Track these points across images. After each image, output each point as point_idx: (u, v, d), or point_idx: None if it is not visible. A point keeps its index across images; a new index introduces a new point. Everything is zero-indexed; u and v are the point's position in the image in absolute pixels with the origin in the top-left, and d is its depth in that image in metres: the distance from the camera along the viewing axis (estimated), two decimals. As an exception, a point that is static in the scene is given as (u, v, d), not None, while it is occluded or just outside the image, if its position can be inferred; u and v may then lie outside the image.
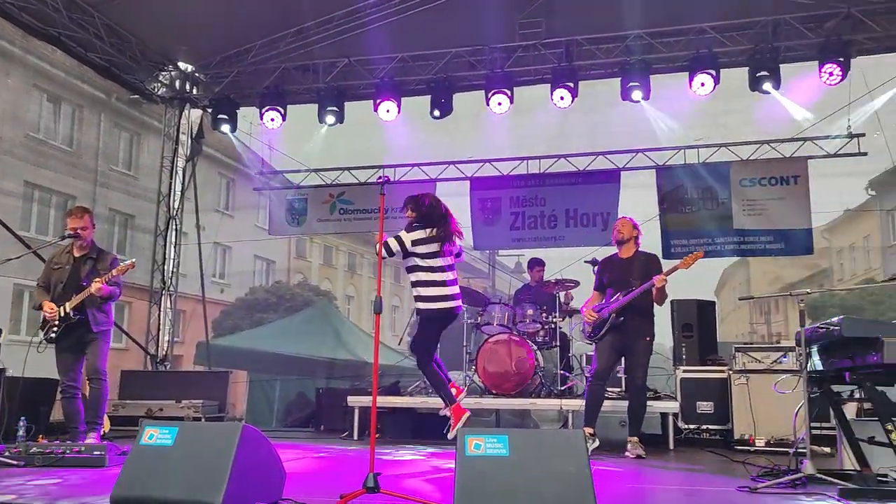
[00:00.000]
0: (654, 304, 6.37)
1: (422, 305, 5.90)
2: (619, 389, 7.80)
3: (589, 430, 6.26)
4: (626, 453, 6.30)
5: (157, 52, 10.60)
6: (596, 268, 6.84)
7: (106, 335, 6.22)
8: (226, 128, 10.68)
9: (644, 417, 6.54)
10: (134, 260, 6.22)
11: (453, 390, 6.01)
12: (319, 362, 13.50)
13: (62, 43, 9.45)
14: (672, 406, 7.49)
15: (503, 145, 11.93)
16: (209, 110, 11.07)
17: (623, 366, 7.20)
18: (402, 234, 5.75)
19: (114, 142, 22.20)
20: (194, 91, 11.28)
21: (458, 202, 11.56)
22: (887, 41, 9.00)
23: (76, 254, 6.24)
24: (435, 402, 7.97)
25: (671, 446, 7.28)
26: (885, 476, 4.53)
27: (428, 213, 5.83)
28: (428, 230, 5.76)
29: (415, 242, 5.74)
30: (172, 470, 3.48)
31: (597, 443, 6.30)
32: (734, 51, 9.29)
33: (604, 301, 6.54)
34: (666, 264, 6.50)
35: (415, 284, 5.86)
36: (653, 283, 6.15)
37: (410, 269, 5.87)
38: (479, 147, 12.01)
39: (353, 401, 8.23)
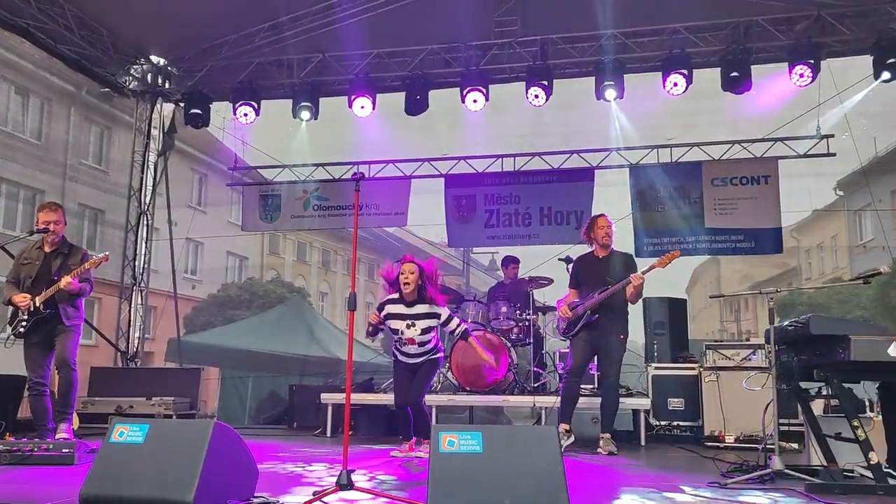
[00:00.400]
0: (629, 302, 6.40)
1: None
2: (591, 386, 7.86)
3: (565, 427, 6.29)
4: (599, 450, 6.34)
5: (129, 45, 10.47)
6: (571, 265, 6.87)
7: (76, 329, 6.14)
8: (198, 123, 10.57)
9: (616, 414, 6.57)
10: (108, 253, 6.14)
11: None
12: (292, 359, 13.42)
13: (31, 34, 9.28)
14: (644, 403, 7.56)
15: (478, 143, 11.94)
16: (181, 105, 10.93)
17: (596, 363, 7.25)
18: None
19: (83, 135, 21.87)
20: (166, 85, 11.16)
21: (432, 199, 11.59)
22: (855, 44, 9.15)
23: (47, 249, 6.17)
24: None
25: (643, 443, 7.35)
26: (852, 471, 4.62)
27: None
28: None
29: None
30: (143, 468, 3.44)
31: (572, 439, 6.34)
32: (707, 51, 9.40)
33: (579, 298, 6.57)
34: (641, 263, 6.55)
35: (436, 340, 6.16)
36: (629, 280, 6.18)
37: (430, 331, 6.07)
38: (454, 144, 12.01)
39: (327, 398, 8.22)
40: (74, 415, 6.41)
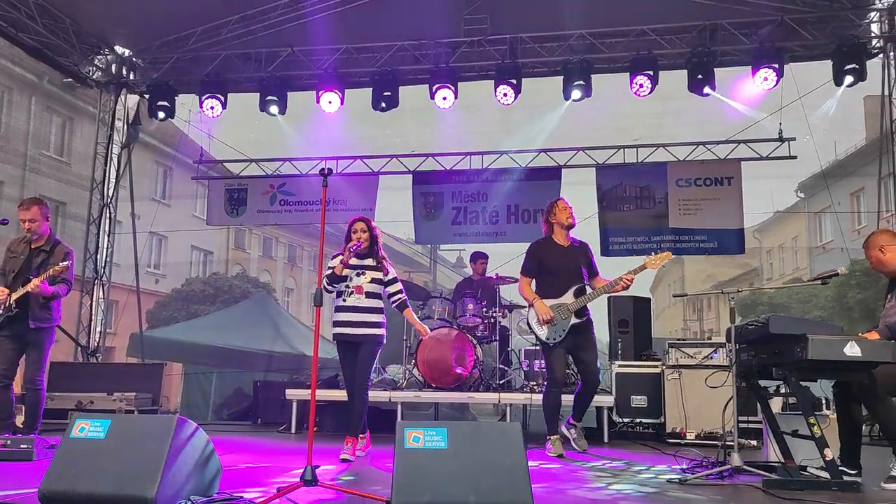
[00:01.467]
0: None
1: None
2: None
3: (556, 437, 6.05)
4: (573, 443, 6.18)
5: (93, 35, 10.29)
6: (529, 250, 6.44)
7: (47, 333, 6.00)
8: (163, 115, 10.44)
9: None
10: (66, 263, 5.96)
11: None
12: (257, 355, 13.32)
13: (-9, 22, 9.10)
14: (607, 400, 7.64)
15: (447, 140, 11.97)
16: (146, 96, 10.78)
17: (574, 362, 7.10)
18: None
19: (45, 126, 21.45)
20: (131, 76, 11.00)
21: (400, 196, 11.59)
22: (817, 49, 9.35)
23: (33, 245, 6.06)
24: (374, 395, 7.98)
25: (606, 439, 7.43)
26: (807, 468, 4.72)
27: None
28: None
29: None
30: (104, 463, 3.39)
31: (563, 449, 6.06)
32: (673, 53, 9.54)
33: (534, 288, 6.20)
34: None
35: (381, 311, 5.86)
36: (619, 280, 5.88)
37: (380, 297, 5.88)
38: (422, 141, 12.02)
39: (292, 394, 8.18)
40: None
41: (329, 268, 5.72)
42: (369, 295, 5.74)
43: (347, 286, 5.72)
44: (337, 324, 5.77)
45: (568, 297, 6.03)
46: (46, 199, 20.32)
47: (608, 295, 6.80)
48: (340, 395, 8.26)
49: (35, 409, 5.95)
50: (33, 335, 5.90)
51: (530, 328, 6.28)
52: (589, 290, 6.08)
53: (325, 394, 8.11)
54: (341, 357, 5.82)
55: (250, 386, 11.05)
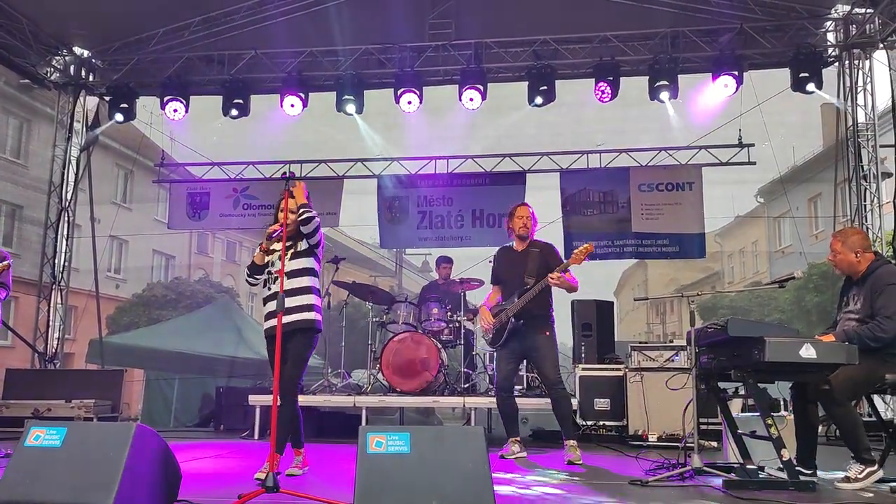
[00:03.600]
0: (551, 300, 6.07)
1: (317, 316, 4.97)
2: (520, 387, 7.94)
3: (516, 439, 6.05)
4: (566, 458, 5.91)
5: (51, 36, 10.11)
6: (491, 259, 6.43)
7: None
8: (123, 117, 10.30)
9: (572, 417, 6.27)
10: (8, 262, 5.85)
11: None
12: (220, 360, 13.17)
13: (-56, 21, 8.89)
14: (571, 403, 7.67)
15: (412, 145, 11.97)
16: (106, 98, 10.63)
17: (531, 368, 7.12)
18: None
19: (1, 128, 21.01)
20: (90, 77, 10.84)
21: (365, 200, 11.56)
22: (775, 56, 9.55)
23: None
24: (338, 400, 7.96)
25: (569, 442, 7.45)
26: (764, 468, 4.80)
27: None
28: None
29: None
30: (60, 472, 3.32)
31: (524, 453, 6.07)
32: (635, 60, 9.67)
33: (499, 300, 6.21)
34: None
35: (310, 290, 4.93)
36: (545, 282, 5.81)
37: (309, 272, 4.95)
38: (387, 145, 12.01)
39: (255, 399, 8.09)
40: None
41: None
42: (293, 274, 4.78)
43: (270, 273, 4.88)
44: (266, 317, 4.87)
45: (511, 301, 6.01)
46: (2, 201, 20.13)
47: (572, 298, 6.86)
48: (305, 400, 8.18)
49: None
50: None
51: (485, 338, 6.34)
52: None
53: (288, 399, 8.02)
54: (271, 356, 4.74)
55: (213, 392, 10.93)
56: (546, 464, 5.92)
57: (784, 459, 4.41)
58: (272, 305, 4.75)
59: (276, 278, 4.69)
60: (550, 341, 6.00)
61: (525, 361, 7.03)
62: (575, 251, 5.84)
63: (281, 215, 4.79)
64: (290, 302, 4.59)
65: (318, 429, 8.31)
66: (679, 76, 9.48)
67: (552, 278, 5.76)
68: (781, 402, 5.81)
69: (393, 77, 9.87)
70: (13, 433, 6.73)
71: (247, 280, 4.99)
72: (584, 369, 7.98)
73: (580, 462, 5.78)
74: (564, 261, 5.98)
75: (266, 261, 4.89)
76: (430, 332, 8.23)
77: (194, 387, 13.37)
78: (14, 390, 8.83)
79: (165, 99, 10.00)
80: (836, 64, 9.64)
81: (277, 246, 4.80)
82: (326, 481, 4.81)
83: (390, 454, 3.30)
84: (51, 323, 10.52)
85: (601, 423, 7.78)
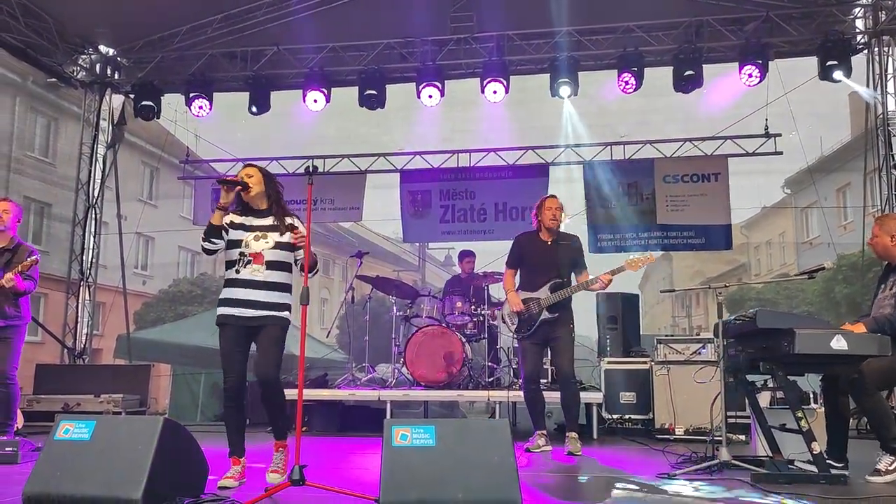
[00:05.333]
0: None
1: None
2: (544, 381, 7.90)
3: (542, 433, 6.05)
4: (566, 449, 5.97)
5: (77, 35, 10.21)
6: (514, 241, 6.44)
7: (17, 331, 5.97)
8: (149, 115, 10.38)
9: (578, 409, 6.25)
10: (35, 258, 5.94)
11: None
12: (245, 355, 13.28)
13: (-28, 22, 9.00)
14: (596, 397, 7.65)
15: (434, 138, 11.96)
16: (131, 96, 10.72)
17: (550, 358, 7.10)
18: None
19: (29, 127, 21.29)
20: (116, 76, 10.91)
21: (387, 194, 11.57)
22: (802, 45, 9.39)
23: None
24: (363, 394, 7.99)
25: (595, 436, 7.44)
26: (794, 462, 4.74)
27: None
28: None
29: None
30: (89, 465, 3.37)
31: (550, 447, 6.05)
32: (659, 50, 9.55)
33: (518, 281, 6.22)
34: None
35: (288, 288, 4.57)
36: (596, 279, 5.88)
37: (287, 267, 4.54)
38: (409, 139, 12.01)
39: (279, 394, 8.12)
40: (19, 413, 6.26)
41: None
42: (273, 266, 4.37)
43: (243, 254, 4.38)
44: (224, 302, 4.45)
45: (543, 292, 6.04)
46: (31, 200, 20.41)
47: (597, 292, 6.84)
48: (329, 394, 8.26)
49: (6, 403, 5.91)
50: (4, 333, 5.87)
51: (504, 320, 6.36)
52: (566, 286, 6.04)
53: (313, 393, 8.08)
54: (226, 346, 4.47)
55: (219, 385, 11.01)
56: (570, 458, 5.89)
57: (815, 453, 4.35)
58: (239, 292, 4.38)
59: (250, 261, 4.35)
60: (571, 334, 6.09)
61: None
62: (633, 258, 5.85)
63: (244, 178, 4.50)
64: (269, 296, 4.34)
65: (342, 423, 8.36)
66: (704, 66, 9.35)
67: (604, 280, 5.86)
68: (811, 395, 5.73)
69: (415, 71, 9.85)
70: (44, 427, 6.83)
71: (202, 245, 4.49)
72: (609, 362, 7.94)
73: (579, 454, 5.83)
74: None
75: (238, 238, 4.42)
76: (454, 326, 8.22)
77: (220, 381, 13.50)
78: (44, 385, 8.96)
79: (190, 96, 10.07)
80: (865, 51, 9.45)
81: (252, 221, 4.46)
82: (352, 474, 4.83)
83: (416, 447, 3.31)
84: (79, 319, 10.65)
85: (627, 416, 7.74)
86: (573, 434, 5.99)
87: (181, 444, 3.63)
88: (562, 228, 6.23)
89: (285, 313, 4.45)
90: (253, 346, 4.48)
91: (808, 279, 5.25)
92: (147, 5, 9.60)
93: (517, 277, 6.31)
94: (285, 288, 4.45)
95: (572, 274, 6.13)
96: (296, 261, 4.46)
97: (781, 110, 10.08)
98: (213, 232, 4.43)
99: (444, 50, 9.86)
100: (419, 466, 3.24)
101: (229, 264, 4.46)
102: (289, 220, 4.47)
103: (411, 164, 11.36)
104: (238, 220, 4.51)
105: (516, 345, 8.63)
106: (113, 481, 3.28)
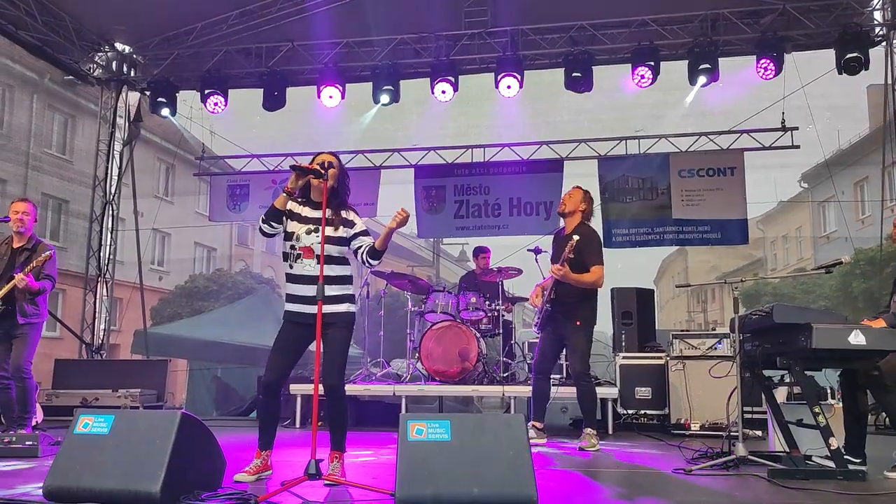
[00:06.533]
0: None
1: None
2: (559, 376, 7.90)
3: (537, 425, 6.06)
4: (579, 444, 5.94)
5: (93, 32, 10.28)
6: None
7: (35, 328, 6.05)
8: (165, 111, 10.49)
9: (594, 406, 6.16)
10: (48, 253, 6.03)
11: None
12: (261, 350, 13.31)
13: (-9, 20, 9.09)
14: (611, 392, 7.63)
15: (448, 134, 11.95)
16: (147, 93, 10.79)
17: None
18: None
19: (47, 124, 21.46)
20: (132, 73, 11.00)
21: (402, 190, 11.58)
22: (820, 37, 9.30)
23: (14, 245, 6.14)
24: (378, 389, 8.01)
25: (610, 431, 7.43)
26: (810, 457, 4.71)
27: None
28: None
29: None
30: (108, 459, 3.40)
31: (544, 438, 6.09)
32: (674, 44, 9.50)
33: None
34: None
35: (348, 280, 4.42)
36: (553, 273, 5.82)
37: (343, 261, 4.41)
38: (423, 135, 12.01)
39: (296, 389, 8.17)
40: (38, 407, 6.34)
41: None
42: (326, 260, 4.13)
43: (294, 247, 4.28)
44: (287, 298, 4.38)
45: (548, 284, 6.09)
46: (49, 196, 20.60)
47: (612, 286, 6.80)
48: (345, 389, 8.27)
49: (23, 397, 5.99)
50: (21, 330, 5.95)
51: (534, 323, 6.45)
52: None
53: (329, 388, 8.09)
54: (276, 341, 4.40)
55: (255, 381, 11.07)
56: (587, 450, 5.89)
57: (832, 448, 4.31)
58: (296, 288, 4.30)
59: (300, 255, 4.25)
60: (579, 332, 5.96)
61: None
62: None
63: (325, 164, 4.34)
64: (326, 291, 4.01)
65: (357, 417, 8.38)
66: (720, 59, 9.29)
67: (554, 270, 5.79)
68: (829, 390, 5.69)
69: (428, 66, 9.85)
70: (63, 422, 6.90)
71: (260, 227, 4.35)
72: (624, 358, 7.92)
73: (594, 450, 5.80)
74: (595, 250, 5.96)
75: (292, 231, 4.29)
76: (469, 322, 8.22)
77: (236, 376, 13.57)
78: (63, 380, 9.06)
79: (205, 93, 10.13)
80: (884, 44, 9.35)
81: (308, 212, 4.32)
82: (367, 469, 4.84)
83: (431, 442, 3.31)
84: (97, 314, 10.75)
85: (642, 411, 7.72)
86: (588, 430, 5.96)
87: (199, 437, 3.65)
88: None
89: (345, 305, 4.28)
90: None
91: (825, 274, 5.22)
92: (163, 3, 9.67)
93: None
94: (342, 280, 4.27)
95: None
96: (355, 253, 4.32)
97: (798, 103, 10.01)
98: (273, 215, 4.33)
99: (458, 45, 9.85)
100: (435, 461, 3.25)
101: (284, 257, 4.38)
102: (344, 214, 4.33)
103: (425, 159, 11.36)
104: (296, 209, 4.40)
105: (530, 340, 8.70)
106: (132, 475, 3.31)
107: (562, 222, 6.37)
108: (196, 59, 10.41)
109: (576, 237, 5.78)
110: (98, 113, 11.41)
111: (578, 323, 5.95)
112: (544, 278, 6.31)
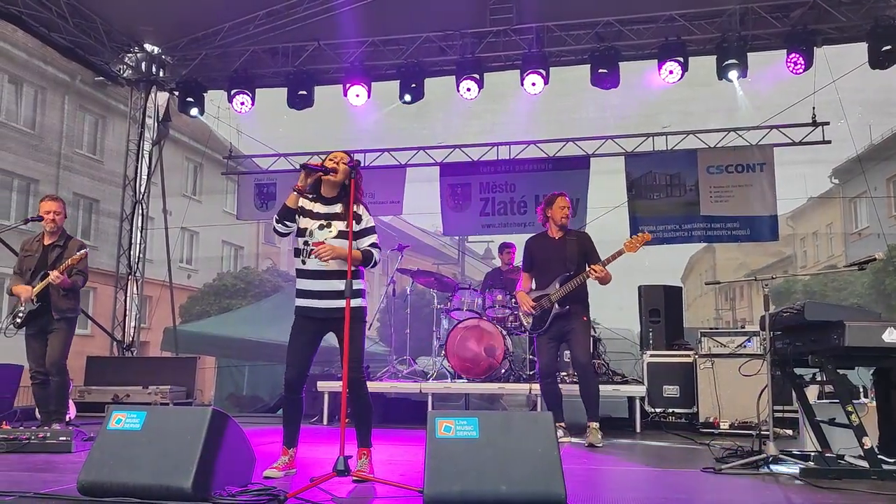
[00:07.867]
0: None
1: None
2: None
3: (561, 425, 6.04)
4: (584, 440, 6.04)
5: (123, 33, 10.42)
6: (525, 246, 6.54)
7: (69, 323, 6.17)
8: (193, 111, 10.60)
9: (598, 399, 6.18)
10: (84, 251, 6.13)
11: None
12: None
13: (24, 23, 9.24)
14: (639, 390, 7.58)
15: (473, 131, 11.94)
16: (176, 93, 10.91)
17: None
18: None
19: (78, 125, 21.78)
20: (161, 73, 11.12)
21: (427, 188, 11.60)
22: (851, 31, 9.15)
23: (46, 241, 6.27)
24: (404, 386, 8.03)
25: (638, 429, 7.38)
26: (843, 457, 4.64)
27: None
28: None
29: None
30: (141, 454, 3.45)
31: (569, 438, 6.12)
32: (702, 39, 9.40)
33: (532, 286, 6.33)
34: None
35: (359, 275, 4.46)
36: (592, 273, 5.88)
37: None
38: (449, 133, 12.00)
39: (323, 386, 8.23)
40: (71, 403, 6.46)
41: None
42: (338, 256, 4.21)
43: (307, 242, 4.31)
44: (298, 293, 4.41)
45: (552, 287, 6.13)
46: (80, 196, 20.89)
47: (639, 284, 6.79)
48: (371, 386, 8.28)
49: (59, 392, 6.10)
50: (56, 325, 6.06)
51: (521, 321, 6.59)
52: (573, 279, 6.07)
53: (356, 385, 8.13)
54: (292, 337, 4.39)
55: (281, 378, 11.16)
56: (614, 449, 5.86)
57: (866, 447, 4.25)
58: (308, 283, 4.33)
59: (312, 251, 4.27)
60: (586, 326, 6.23)
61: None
62: (631, 239, 5.96)
63: (329, 164, 4.33)
64: (337, 285, 4.16)
65: (384, 414, 8.42)
66: (748, 54, 9.17)
67: (594, 271, 5.88)
68: (861, 389, 5.61)
69: (454, 64, 9.84)
70: (94, 418, 7.02)
71: (275, 228, 4.36)
72: (652, 356, 7.87)
73: (600, 445, 5.87)
74: (598, 251, 6.14)
75: (304, 226, 4.32)
76: (495, 319, 8.20)
77: (264, 373, 13.67)
78: (94, 377, 9.20)
79: (232, 92, 10.22)
80: (918, 36, 9.18)
81: (320, 208, 4.35)
82: (394, 465, 4.86)
83: (459, 439, 3.32)
84: (127, 312, 10.90)
85: (670, 410, 7.66)
86: (593, 425, 6.03)
87: (228, 433, 3.69)
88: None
89: (357, 301, 4.25)
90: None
91: (858, 270, 5.13)
92: (191, 3, 9.77)
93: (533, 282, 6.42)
94: (353, 274, 4.14)
95: (587, 267, 6.04)
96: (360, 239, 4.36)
97: (829, 98, 9.86)
98: (286, 214, 4.30)
99: (483, 42, 9.83)
100: (463, 458, 3.25)
101: (296, 252, 4.39)
102: (354, 209, 4.28)
103: (451, 157, 11.36)
104: (308, 206, 4.40)
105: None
106: (164, 470, 3.36)
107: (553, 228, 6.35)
108: (223, 59, 10.50)
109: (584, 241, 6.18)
110: (128, 113, 11.56)
111: (585, 318, 6.19)
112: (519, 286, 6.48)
